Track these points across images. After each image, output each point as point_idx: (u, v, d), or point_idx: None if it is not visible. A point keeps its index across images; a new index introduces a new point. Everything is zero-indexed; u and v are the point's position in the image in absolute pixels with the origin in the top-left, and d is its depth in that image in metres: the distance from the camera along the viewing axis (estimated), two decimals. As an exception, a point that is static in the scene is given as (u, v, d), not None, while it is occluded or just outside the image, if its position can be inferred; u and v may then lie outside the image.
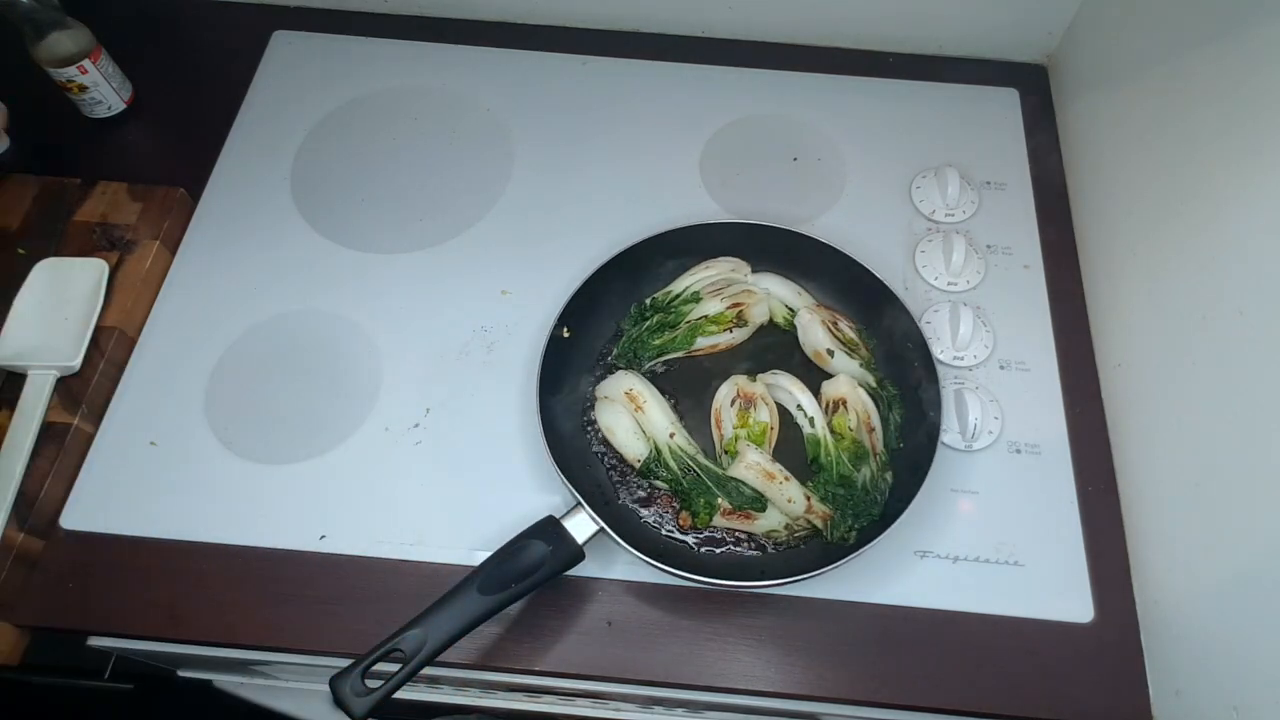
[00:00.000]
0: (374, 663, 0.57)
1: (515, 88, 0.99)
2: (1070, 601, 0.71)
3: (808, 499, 0.71)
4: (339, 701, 0.56)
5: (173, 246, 0.87)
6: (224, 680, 0.90)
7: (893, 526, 0.66)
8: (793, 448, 0.75)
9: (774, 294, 0.82)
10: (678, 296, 0.80)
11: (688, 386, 0.79)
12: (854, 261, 0.79)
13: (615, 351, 0.80)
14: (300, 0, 1.05)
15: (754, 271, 0.83)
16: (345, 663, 0.57)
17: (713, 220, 0.83)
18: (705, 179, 0.93)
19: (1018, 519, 0.74)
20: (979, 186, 0.92)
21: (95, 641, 0.74)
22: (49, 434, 0.74)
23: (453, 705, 0.85)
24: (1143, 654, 0.69)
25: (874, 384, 0.77)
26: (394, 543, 0.72)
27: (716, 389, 0.76)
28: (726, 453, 0.74)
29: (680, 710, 0.80)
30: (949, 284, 0.85)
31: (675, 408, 0.76)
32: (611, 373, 0.78)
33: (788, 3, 1.00)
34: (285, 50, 1.02)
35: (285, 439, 0.76)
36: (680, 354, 0.80)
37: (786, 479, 0.70)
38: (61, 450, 0.74)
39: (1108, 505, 0.75)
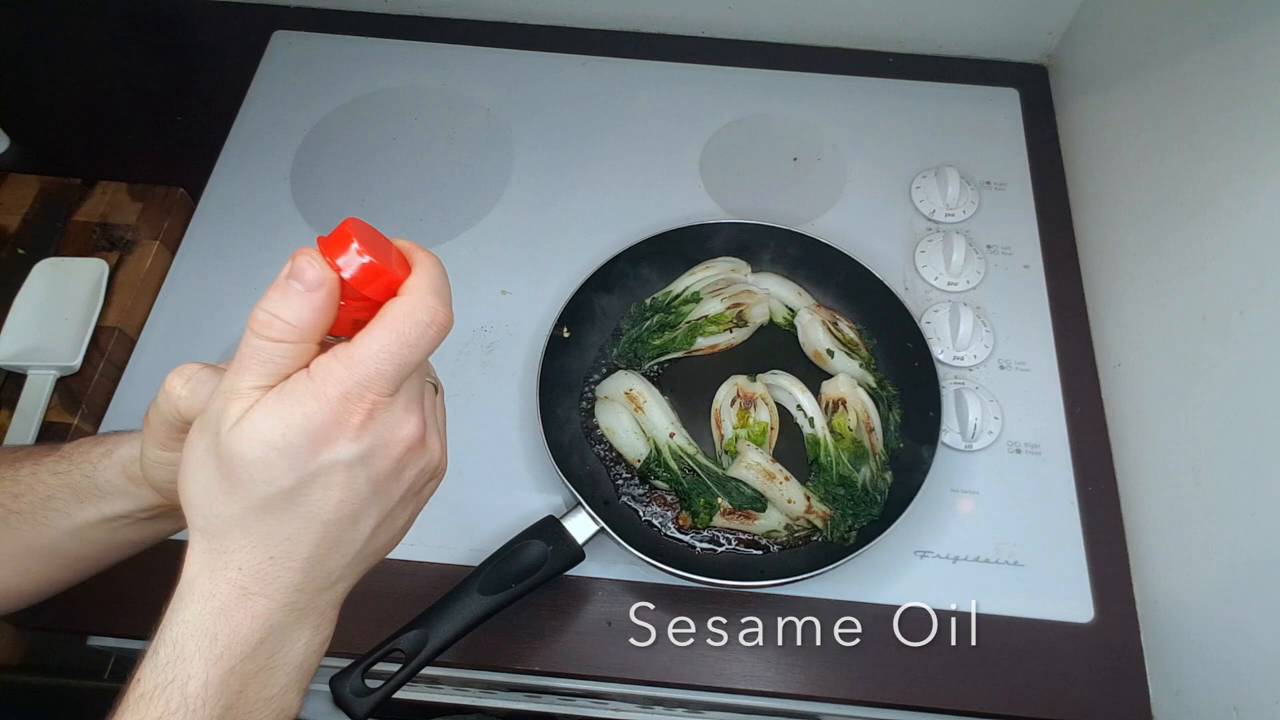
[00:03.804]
0: (374, 663, 0.57)
1: (515, 88, 0.99)
2: (1070, 601, 0.71)
3: (808, 499, 0.71)
4: (339, 701, 0.56)
5: (173, 246, 0.87)
6: (224, 680, 0.90)
7: (893, 526, 0.66)
8: (793, 448, 0.75)
9: (774, 294, 0.82)
10: (678, 296, 0.80)
11: (688, 386, 0.78)
12: (854, 261, 0.79)
13: (615, 351, 0.80)
14: (300, 0, 1.05)
15: (754, 271, 0.83)
16: (345, 663, 0.57)
17: (713, 220, 0.83)
18: (705, 179, 0.93)
19: (1018, 519, 0.74)
20: (979, 186, 0.91)
21: (95, 641, 0.74)
22: (49, 434, 0.74)
23: (453, 705, 0.84)
24: (1143, 654, 0.69)
25: (874, 384, 0.77)
26: (394, 543, 0.72)
27: (716, 389, 0.76)
28: (726, 453, 0.74)
29: (680, 710, 0.80)
30: (949, 284, 0.85)
31: (675, 408, 0.76)
32: (611, 373, 0.78)
33: (788, 3, 1.00)
34: (285, 50, 1.02)
35: (285, 439, 0.76)
36: (680, 354, 0.80)
37: (786, 479, 0.70)
38: (61, 450, 0.74)
39: (1108, 505, 0.75)
